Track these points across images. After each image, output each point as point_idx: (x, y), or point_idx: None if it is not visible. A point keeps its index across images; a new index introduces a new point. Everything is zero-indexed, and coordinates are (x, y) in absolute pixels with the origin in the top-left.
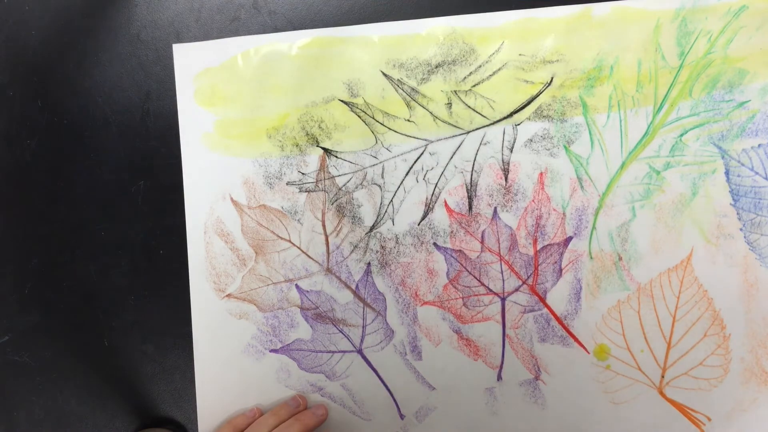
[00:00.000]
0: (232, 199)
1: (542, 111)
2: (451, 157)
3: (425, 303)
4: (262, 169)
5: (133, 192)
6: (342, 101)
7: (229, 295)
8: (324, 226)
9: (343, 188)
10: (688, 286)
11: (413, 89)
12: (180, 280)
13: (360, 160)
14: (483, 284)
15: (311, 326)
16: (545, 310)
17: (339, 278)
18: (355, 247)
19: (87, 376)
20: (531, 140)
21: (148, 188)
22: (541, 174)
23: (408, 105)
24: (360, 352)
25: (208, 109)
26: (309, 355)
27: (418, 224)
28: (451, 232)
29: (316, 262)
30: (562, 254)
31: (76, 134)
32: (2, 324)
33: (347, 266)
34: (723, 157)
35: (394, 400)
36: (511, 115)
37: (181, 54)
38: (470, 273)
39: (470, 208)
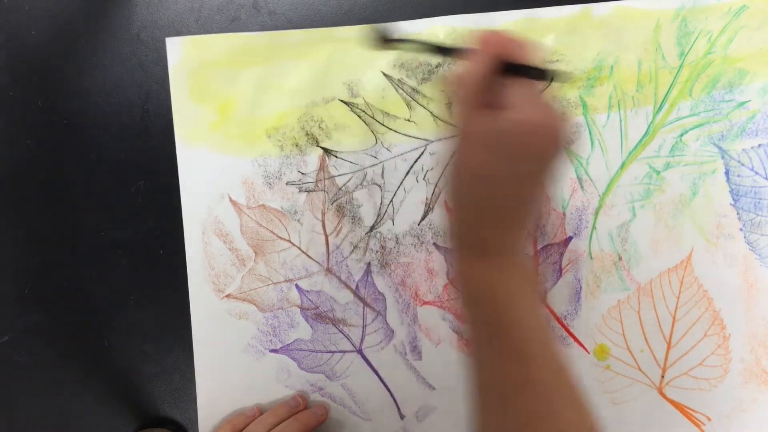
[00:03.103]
0: (231, 199)
1: None
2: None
3: (425, 303)
4: (262, 168)
5: (133, 192)
6: (342, 101)
7: (228, 296)
8: (324, 226)
9: (343, 188)
10: (688, 286)
11: (413, 89)
12: (180, 280)
13: (360, 160)
14: None
15: (311, 326)
16: (545, 310)
17: (339, 278)
18: (355, 247)
19: (87, 376)
20: None
21: (147, 188)
22: None
23: (408, 105)
24: (360, 352)
25: (205, 108)
26: (309, 355)
27: (418, 224)
28: None
29: (316, 262)
30: (562, 254)
31: (76, 134)
32: (2, 324)
33: (347, 266)
34: (723, 157)
35: (394, 400)
36: None
37: (174, 48)
38: None
39: None
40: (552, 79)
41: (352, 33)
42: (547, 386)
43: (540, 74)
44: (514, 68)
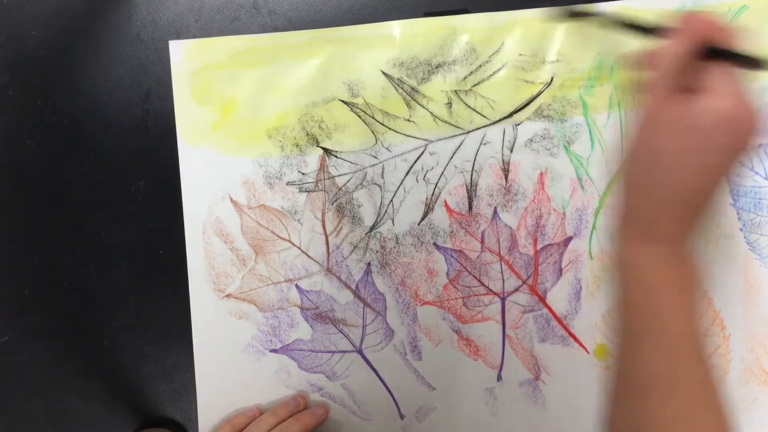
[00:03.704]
0: (231, 199)
1: (542, 111)
2: (451, 157)
3: (425, 303)
4: (262, 169)
5: (133, 192)
6: (342, 101)
7: (228, 295)
8: (324, 226)
9: (343, 188)
10: None
11: (413, 89)
12: (180, 280)
13: (360, 160)
14: (483, 284)
15: (311, 326)
16: (545, 310)
17: (339, 278)
18: (355, 247)
19: (87, 376)
20: (531, 140)
21: (148, 188)
22: (541, 174)
23: (408, 105)
24: (360, 352)
25: (207, 109)
26: (309, 355)
27: (418, 224)
28: (451, 232)
29: (316, 262)
30: (562, 254)
31: (76, 134)
32: (2, 324)
33: (347, 266)
34: None
35: (394, 400)
36: (511, 115)
37: (177, 51)
38: (470, 273)
39: (470, 208)
40: (760, 67)
41: (358, 32)
42: (691, 389)
43: (746, 62)
44: (718, 53)
